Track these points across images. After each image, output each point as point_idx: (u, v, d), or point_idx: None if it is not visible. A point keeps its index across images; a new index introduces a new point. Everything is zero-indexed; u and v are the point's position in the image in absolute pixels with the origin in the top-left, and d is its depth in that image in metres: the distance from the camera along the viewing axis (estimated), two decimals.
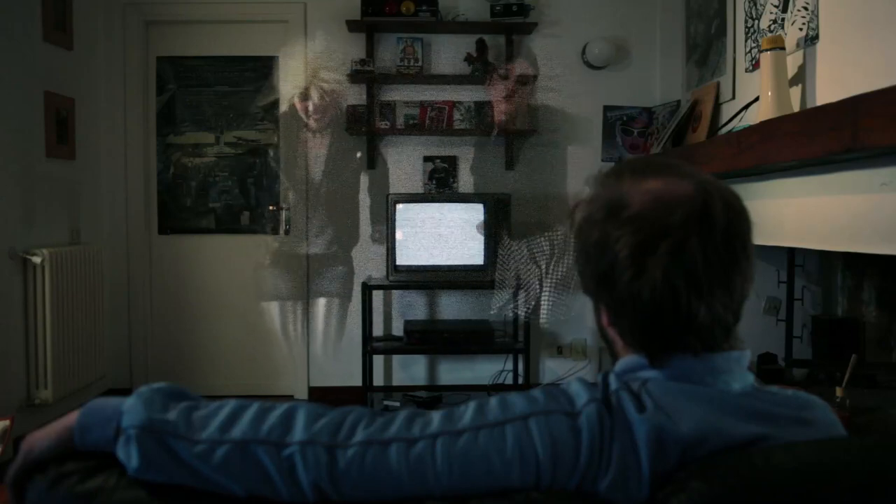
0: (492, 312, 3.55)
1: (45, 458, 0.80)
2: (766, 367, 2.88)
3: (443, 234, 3.53)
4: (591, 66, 3.96)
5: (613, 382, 0.82)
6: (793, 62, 2.44)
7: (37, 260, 3.17)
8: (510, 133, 3.87)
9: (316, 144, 3.87)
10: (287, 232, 3.95)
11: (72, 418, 0.80)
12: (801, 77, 2.42)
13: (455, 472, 0.76)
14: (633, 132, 3.97)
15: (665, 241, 0.80)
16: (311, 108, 3.65)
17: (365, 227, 3.96)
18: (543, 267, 3.27)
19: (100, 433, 0.78)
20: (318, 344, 3.96)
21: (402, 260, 3.52)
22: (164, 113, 4.01)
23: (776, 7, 2.64)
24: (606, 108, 3.97)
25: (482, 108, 3.94)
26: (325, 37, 3.87)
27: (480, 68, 3.85)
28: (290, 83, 3.75)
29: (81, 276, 3.46)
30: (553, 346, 4.03)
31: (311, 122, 3.71)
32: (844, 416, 2.15)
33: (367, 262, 3.96)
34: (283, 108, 3.91)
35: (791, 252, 3.04)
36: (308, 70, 3.66)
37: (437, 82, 3.93)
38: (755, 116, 2.41)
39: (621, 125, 3.98)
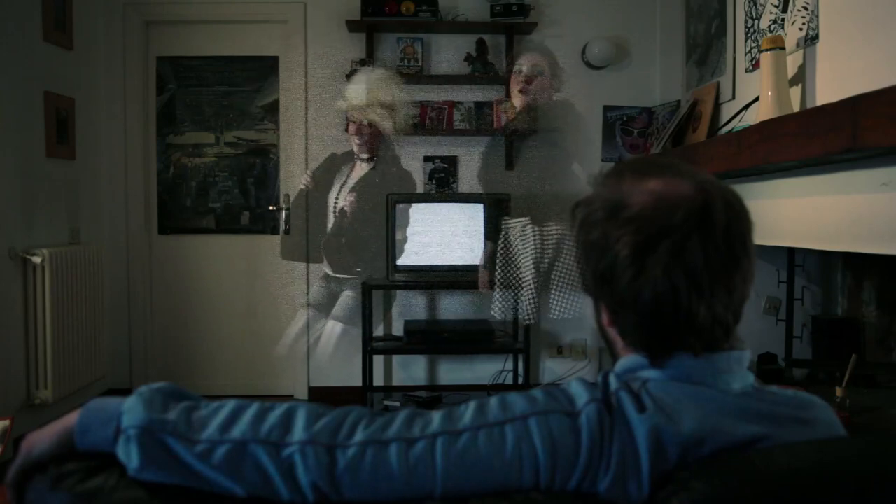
0: (493, 313, 3.48)
1: (45, 459, 0.80)
2: (766, 367, 2.88)
3: (443, 234, 3.53)
4: (591, 66, 3.96)
5: (614, 382, 0.83)
6: (793, 62, 2.44)
7: (37, 260, 3.17)
8: (510, 133, 3.87)
9: (316, 145, 3.87)
10: (287, 232, 3.95)
11: (72, 419, 0.80)
12: (801, 77, 2.41)
13: (455, 472, 0.76)
14: (633, 132, 3.97)
15: (666, 241, 0.80)
16: (352, 131, 3.52)
17: (365, 226, 3.96)
18: (542, 265, 3.24)
19: (100, 433, 0.78)
20: (319, 344, 3.96)
21: (402, 260, 3.52)
22: (164, 113, 4.01)
23: (776, 7, 2.64)
24: (606, 108, 3.97)
25: (482, 108, 3.94)
26: (324, 37, 3.87)
27: (481, 68, 3.85)
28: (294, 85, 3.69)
29: (81, 276, 3.46)
30: (553, 346, 4.03)
31: (359, 150, 3.57)
32: (844, 416, 2.15)
33: (367, 263, 3.95)
34: (284, 108, 3.91)
35: (791, 252, 3.04)
36: (369, 90, 3.44)
37: (437, 82, 3.93)
38: (755, 116, 2.41)
39: (621, 125, 3.98)
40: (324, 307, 3.75)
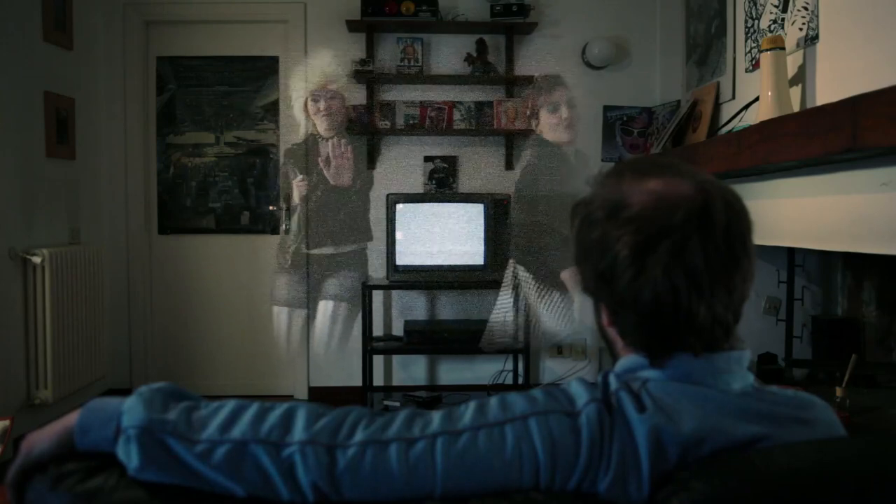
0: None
1: (45, 459, 0.80)
2: (766, 367, 2.87)
3: (443, 235, 3.53)
4: (591, 66, 3.96)
5: (614, 382, 0.82)
6: (793, 62, 2.44)
7: (37, 260, 3.17)
8: (510, 133, 3.87)
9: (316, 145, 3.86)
10: (287, 232, 3.95)
11: (72, 418, 0.80)
12: (801, 77, 2.42)
13: (455, 472, 0.76)
14: (633, 132, 3.97)
15: (665, 241, 0.80)
16: (321, 108, 3.41)
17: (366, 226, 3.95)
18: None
19: (100, 433, 0.78)
20: (319, 345, 3.95)
21: (402, 260, 3.52)
22: (164, 113, 4.01)
23: (776, 7, 2.64)
24: (606, 108, 3.97)
25: (482, 108, 3.94)
26: (324, 37, 3.86)
27: (481, 68, 3.85)
28: (294, 85, 3.65)
29: (81, 276, 3.46)
30: (553, 346, 4.03)
31: (321, 126, 3.48)
32: (844, 416, 2.15)
33: (367, 263, 3.95)
34: (284, 107, 3.89)
35: (791, 252, 3.04)
36: (319, 73, 3.43)
37: (437, 82, 3.93)
38: (755, 116, 2.41)
39: (621, 125, 3.98)
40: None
